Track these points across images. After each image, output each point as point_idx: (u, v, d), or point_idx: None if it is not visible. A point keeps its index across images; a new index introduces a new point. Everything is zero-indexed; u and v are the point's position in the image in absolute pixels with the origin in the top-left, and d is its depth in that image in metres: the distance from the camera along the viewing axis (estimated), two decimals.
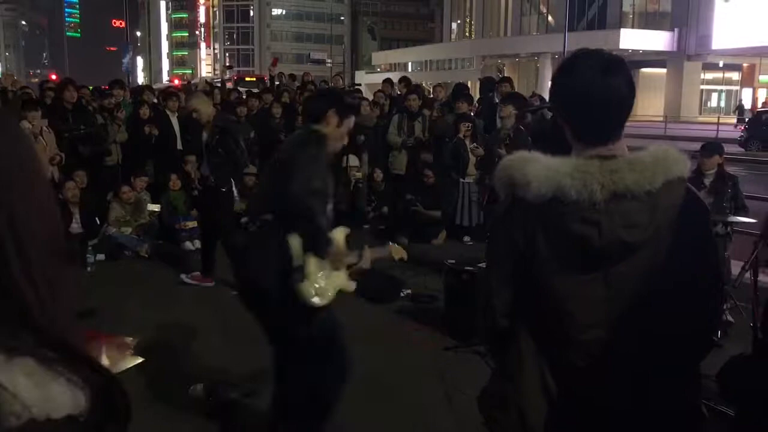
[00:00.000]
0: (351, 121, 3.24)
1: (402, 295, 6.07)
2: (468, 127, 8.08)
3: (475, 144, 8.10)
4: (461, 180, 8.28)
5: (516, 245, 1.63)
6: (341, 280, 3.17)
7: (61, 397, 0.67)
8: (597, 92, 1.57)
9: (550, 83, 1.75)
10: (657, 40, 38.00)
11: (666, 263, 1.59)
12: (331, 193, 3.08)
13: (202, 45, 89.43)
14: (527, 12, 48.24)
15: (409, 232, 8.15)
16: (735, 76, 42.87)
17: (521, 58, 48.02)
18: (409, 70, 55.80)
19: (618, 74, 1.58)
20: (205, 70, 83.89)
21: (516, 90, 9.68)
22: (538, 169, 1.58)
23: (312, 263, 2.99)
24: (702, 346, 1.69)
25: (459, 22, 57.95)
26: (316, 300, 2.98)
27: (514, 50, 47.13)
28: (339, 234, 3.18)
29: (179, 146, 9.00)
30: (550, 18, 45.75)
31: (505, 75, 12.23)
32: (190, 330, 5.19)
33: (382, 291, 6.02)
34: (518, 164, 1.61)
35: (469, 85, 34.67)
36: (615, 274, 1.58)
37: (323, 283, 3.03)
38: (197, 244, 8.04)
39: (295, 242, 2.94)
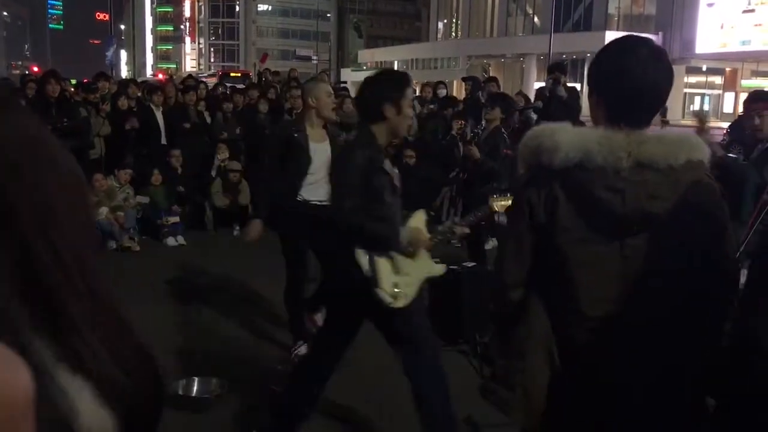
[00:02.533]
0: (408, 98, 2.99)
1: None
2: (461, 124, 8.10)
3: (473, 143, 8.09)
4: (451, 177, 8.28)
5: (536, 216, 1.63)
6: (425, 268, 3.10)
7: (108, 420, 0.64)
8: (650, 78, 1.61)
9: (593, 62, 1.72)
10: None
11: (681, 242, 1.60)
12: (388, 190, 2.93)
13: (187, 39, 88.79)
14: (513, 13, 48.39)
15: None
16: (718, 80, 43.31)
17: (507, 59, 48.18)
18: (395, 68, 55.77)
19: (665, 63, 1.65)
20: (190, 64, 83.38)
21: (502, 91, 9.68)
22: (568, 135, 1.60)
23: (382, 267, 2.89)
24: (712, 333, 1.68)
25: (445, 21, 58.00)
26: (393, 301, 2.88)
27: (500, 50, 47.28)
28: (416, 220, 3.08)
29: (164, 141, 8.91)
30: (536, 19, 45.92)
31: (491, 75, 12.24)
32: (172, 326, 5.16)
33: None
34: (548, 132, 1.64)
35: (454, 84, 34.83)
36: (632, 247, 1.60)
37: (401, 281, 2.92)
38: (180, 240, 7.99)
39: (360, 253, 2.87)
